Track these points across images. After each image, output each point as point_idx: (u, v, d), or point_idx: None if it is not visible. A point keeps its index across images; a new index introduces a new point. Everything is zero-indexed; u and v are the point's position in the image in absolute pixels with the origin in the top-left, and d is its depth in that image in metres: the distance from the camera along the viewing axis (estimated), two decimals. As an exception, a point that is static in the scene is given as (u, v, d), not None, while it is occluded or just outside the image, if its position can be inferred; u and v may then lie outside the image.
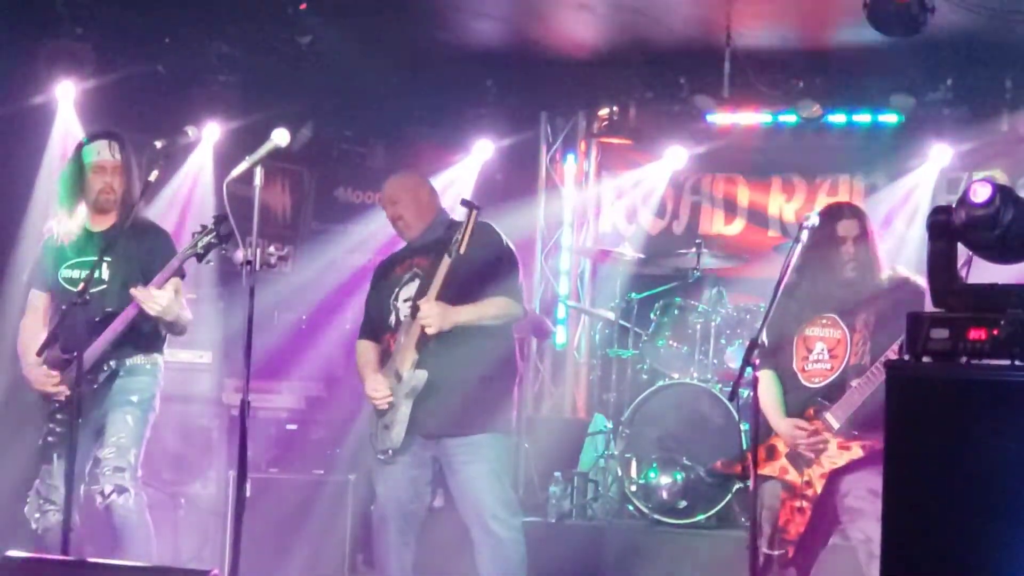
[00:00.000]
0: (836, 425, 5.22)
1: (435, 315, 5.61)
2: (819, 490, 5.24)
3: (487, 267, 5.78)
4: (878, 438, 5.00)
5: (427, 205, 6.01)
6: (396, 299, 5.92)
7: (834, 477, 5.24)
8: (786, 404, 5.39)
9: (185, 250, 5.61)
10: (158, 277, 5.63)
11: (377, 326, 6.01)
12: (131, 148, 5.93)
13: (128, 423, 5.81)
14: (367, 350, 6.03)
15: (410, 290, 5.88)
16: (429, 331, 5.64)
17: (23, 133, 7.79)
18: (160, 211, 7.39)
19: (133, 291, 5.63)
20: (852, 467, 5.20)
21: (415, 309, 5.68)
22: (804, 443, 5.27)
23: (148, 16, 8.05)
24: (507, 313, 5.84)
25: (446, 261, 5.61)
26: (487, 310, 5.78)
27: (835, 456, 5.23)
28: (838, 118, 9.16)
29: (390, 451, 5.79)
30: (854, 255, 5.39)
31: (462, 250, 5.57)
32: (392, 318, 5.91)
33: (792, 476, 5.32)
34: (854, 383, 5.20)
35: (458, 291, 5.68)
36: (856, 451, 5.19)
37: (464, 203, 5.72)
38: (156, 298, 5.63)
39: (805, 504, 5.26)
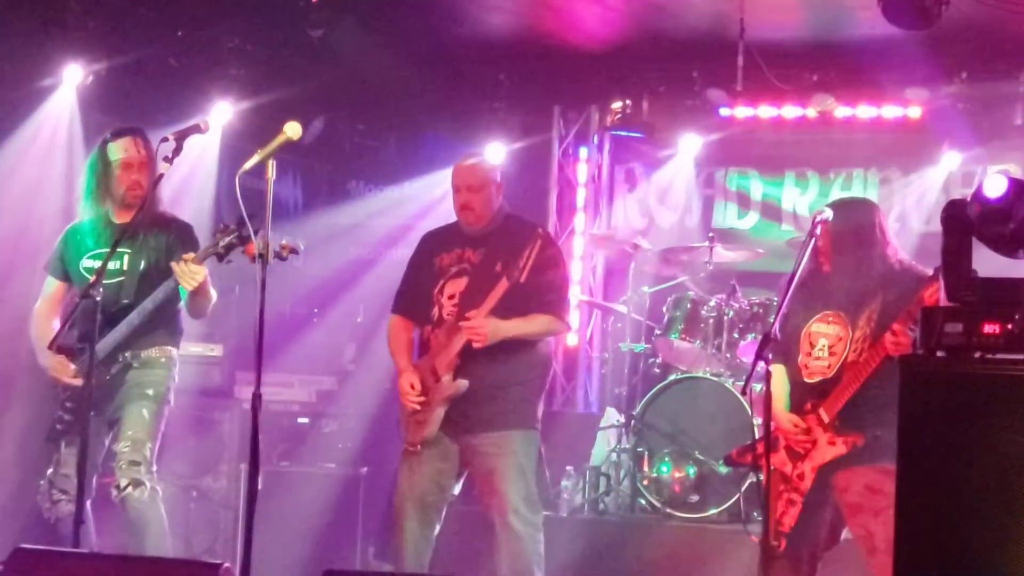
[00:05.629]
0: (827, 419, 5.27)
1: (486, 332, 5.64)
2: (810, 484, 5.27)
3: (541, 288, 5.79)
4: (860, 435, 5.16)
5: (495, 197, 5.98)
6: (441, 292, 5.90)
7: (824, 473, 5.28)
8: (790, 399, 5.43)
9: (207, 248, 5.62)
10: (198, 254, 5.62)
11: (415, 309, 6.00)
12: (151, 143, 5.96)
13: (144, 417, 5.81)
14: (401, 330, 6.03)
15: (457, 286, 5.87)
16: (477, 346, 5.67)
17: (37, 126, 7.79)
18: (173, 201, 7.36)
19: (174, 264, 5.63)
20: (843, 463, 5.24)
21: (464, 317, 5.70)
22: (796, 440, 5.33)
23: (160, 9, 8.04)
24: (551, 330, 5.96)
25: (503, 284, 5.63)
26: (533, 326, 5.82)
27: (824, 450, 5.28)
28: (856, 111, 9.12)
29: (419, 444, 5.81)
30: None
31: (523, 279, 5.59)
32: (435, 311, 5.90)
33: (788, 468, 5.38)
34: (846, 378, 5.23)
35: (509, 308, 5.70)
36: (840, 447, 5.23)
37: (531, 228, 5.75)
38: (195, 273, 5.63)
39: (796, 497, 5.31)
